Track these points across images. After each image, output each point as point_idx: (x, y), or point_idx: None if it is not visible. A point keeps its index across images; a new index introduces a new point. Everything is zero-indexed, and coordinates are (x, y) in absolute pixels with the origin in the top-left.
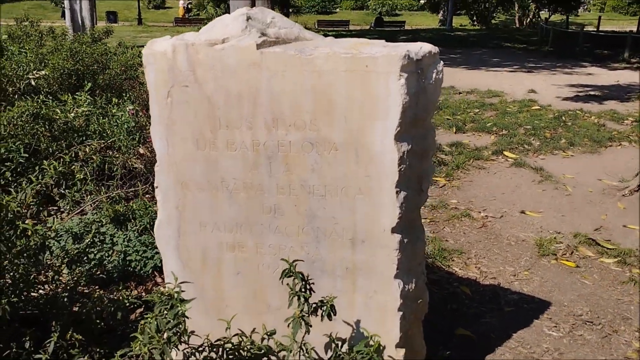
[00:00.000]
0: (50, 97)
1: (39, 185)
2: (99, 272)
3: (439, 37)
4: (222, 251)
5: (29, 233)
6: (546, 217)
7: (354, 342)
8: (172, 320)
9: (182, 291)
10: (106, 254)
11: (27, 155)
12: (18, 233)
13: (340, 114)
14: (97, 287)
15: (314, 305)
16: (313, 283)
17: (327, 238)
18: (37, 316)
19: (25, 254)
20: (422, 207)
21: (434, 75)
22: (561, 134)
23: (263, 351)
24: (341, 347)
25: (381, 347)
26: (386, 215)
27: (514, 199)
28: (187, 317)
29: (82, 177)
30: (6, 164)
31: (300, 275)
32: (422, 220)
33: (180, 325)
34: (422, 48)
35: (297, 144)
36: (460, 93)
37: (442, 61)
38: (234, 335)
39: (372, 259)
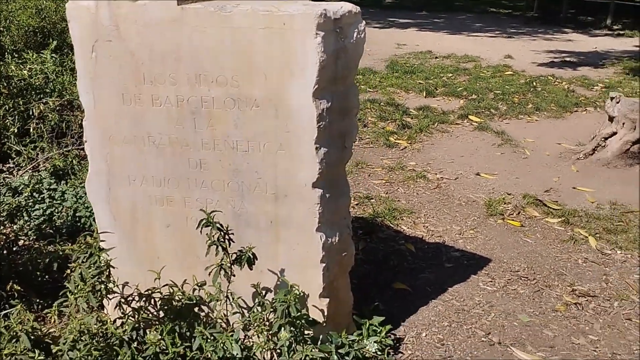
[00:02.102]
0: (16, 55)
1: None
2: (47, 227)
3: (424, 1)
4: (151, 204)
5: None
6: (500, 179)
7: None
8: (93, 269)
9: (102, 241)
10: (56, 210)
11: None
12: None
13: (259, 71)
14: (45, 242)
15: (234, 255)
16: (232, 233)
17: (251, 192)
18: None
19: None
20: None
21: (354, 34)
22: (529, 99)
23: (194, 301)
24: (265, 295)
25: (305, 296)
26: (306, 170)
27: (471, 161)
28: (112, 267)
29: (37, 134)
30: None
31: (218, 226)
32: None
33: (103, 274)
34: (342, 7)
35: (219, 100)
36: (436, 58)
37: (364, 21)
38: (164, 286)
39: (294, 212)
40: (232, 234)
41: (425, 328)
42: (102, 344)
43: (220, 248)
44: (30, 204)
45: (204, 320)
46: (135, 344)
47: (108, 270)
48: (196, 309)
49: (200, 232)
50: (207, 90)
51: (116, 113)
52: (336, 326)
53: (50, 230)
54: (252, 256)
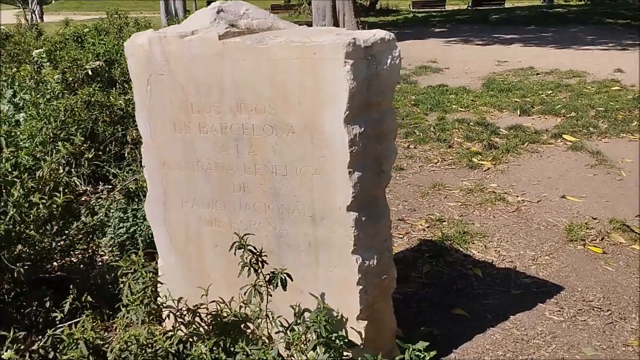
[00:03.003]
0: (125, 86)
1: (53, 164)
2: (129, 244)
3: (533, 15)
4: (201, 225)
5: (41, 206)
6: (587, 202)
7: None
8: (140, 284)
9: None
10: (138, 228)
11: (83, 139)
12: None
13: (294, 99)
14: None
15: (268, 276)
16: (266, 255)
17: (290, 215)
18: (63, 280)
19: (48, 225)
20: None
21: (388, 60)
22: (635, 117)
23: (239, 318)
24: (301, 316)
25: (343, 318)
26: (341, 194)
27: (558, 183)
28: (160, 283)
29: (131, 158)
30: (65, 145)
31: (250, 248)
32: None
33: (148, 289)
34: (375, 35)
35: (259, 127)
36: (538, 74)
37: (398, 47)
38: (211, 302)
39: (330, 235)
40: (266, 255)
41: (477, 356)
42: (149, 354)
43: (252, 270)
44: (115, 222)
45: (249, 337)
46: (182, 356)
47: (155, 285)
48: (242, 326)
49: (234, 253)
50: (248, 118)
51: (169, 141)
52: (377, 349)
53: (131, 247)
54: (284, 277)
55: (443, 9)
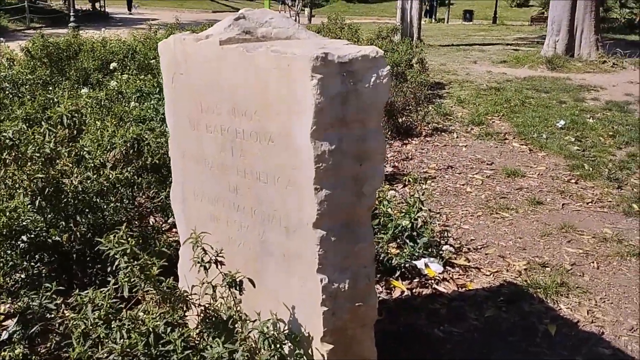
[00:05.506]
0: None
1: None
2: None
3: None
4: (206, 220)
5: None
6: None
7: (292, 324)
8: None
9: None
10: None
11: None
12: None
13: (273, 108)
14: None
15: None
16: (222, 256)
17: (270, 222)
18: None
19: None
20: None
21: (372, 79)
22: None
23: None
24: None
25: (310, 337)
26: (308, 209)
27: None
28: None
29: None
30: None
31: (204, 247)
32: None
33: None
34: (359, 51)
35: (247, 132)
36: None
37: (388, 65)
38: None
39: (301, 248)
40: (222, 256)
41: None
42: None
43: (203, 268)
44: None
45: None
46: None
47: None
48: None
49: (192, 249)
50: (239, 122)
51: (186, 136)
52: None
53: None
54: (238, 280)
55: None
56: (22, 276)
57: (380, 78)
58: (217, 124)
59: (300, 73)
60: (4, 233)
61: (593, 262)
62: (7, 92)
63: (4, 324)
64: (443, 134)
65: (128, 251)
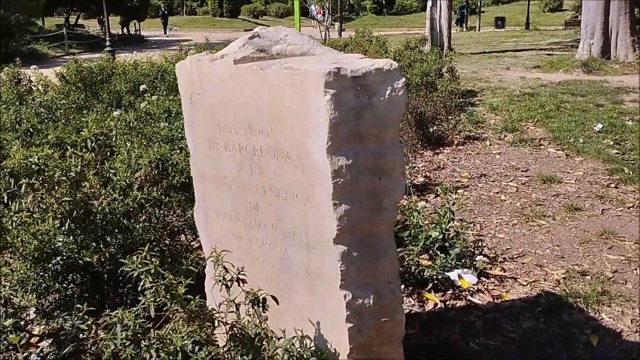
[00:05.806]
0: None
1: None
2: None
3: None
4: (229, 239)
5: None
6: None
7: (317, 341)
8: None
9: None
10: None
11: None
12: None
13: (288, 125)
14: None
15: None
16: (244, 274)
17: (290, 239)
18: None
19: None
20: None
21: (387, 92)
22: None
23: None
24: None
25: (337, 354)
26: (328, 225)
27: None
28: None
29: None
30: None
31: (225, 265)
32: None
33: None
34: (372, 65)
35: (264, 150)
36: None
37: (403, 78)
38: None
39: (322, 265)
40: (244, 274)
41: None
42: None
43: (225, 286)
44: None
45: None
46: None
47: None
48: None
49: (214, 267)
50: (256, 140)
51: (205, 156)
52: None
53: None
54: (261, 298)
55: None
56: (56, 297)
57: (395, 91)
58: (234, 143)
59: (313, 89)
60: (37, 256)
61: (636, 269)
62: (42, 117)
63: (39, 345)
64: (475, 142)
65: (152, 271)
